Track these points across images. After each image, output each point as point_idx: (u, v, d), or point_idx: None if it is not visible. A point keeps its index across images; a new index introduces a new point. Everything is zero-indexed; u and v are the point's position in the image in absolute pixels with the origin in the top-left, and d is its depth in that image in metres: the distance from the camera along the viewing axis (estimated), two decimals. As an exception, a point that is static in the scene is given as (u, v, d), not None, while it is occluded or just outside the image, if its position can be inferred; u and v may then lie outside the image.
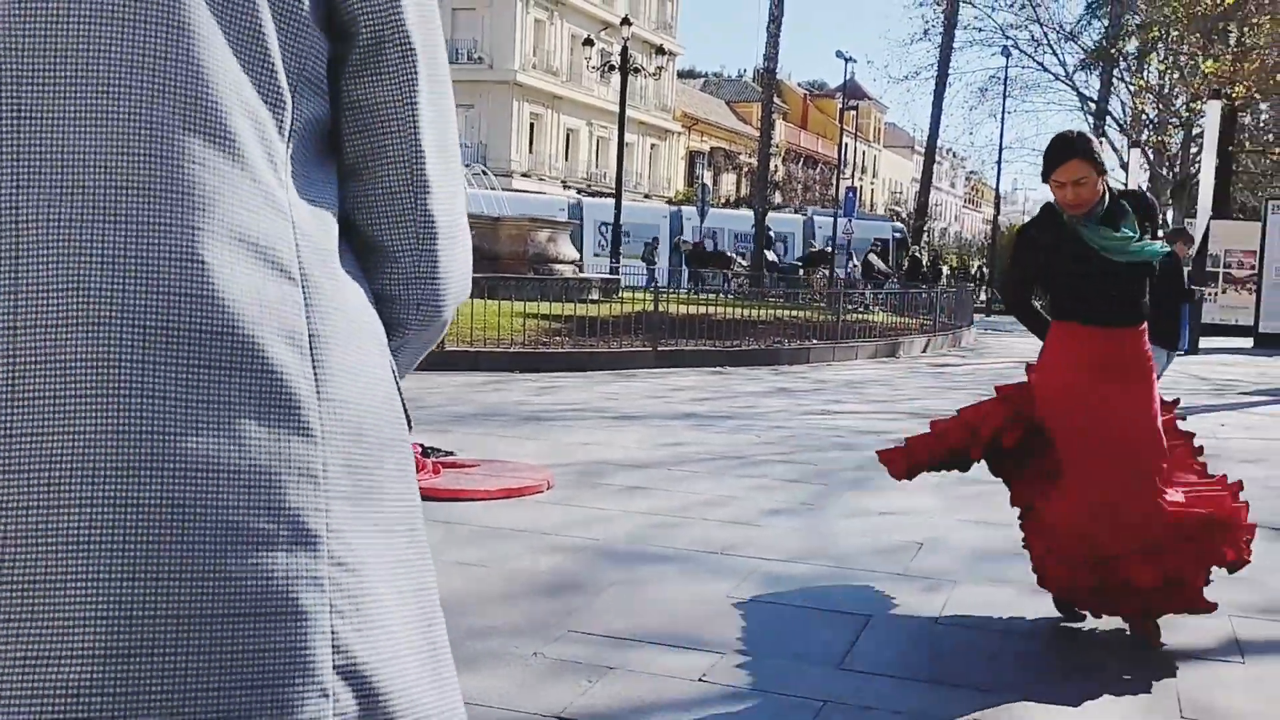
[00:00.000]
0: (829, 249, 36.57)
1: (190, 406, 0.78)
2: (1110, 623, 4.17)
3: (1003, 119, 39.89)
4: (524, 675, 3.46)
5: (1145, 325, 4.00)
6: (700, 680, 3.46)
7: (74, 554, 0.76)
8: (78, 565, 0.76)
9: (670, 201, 35.69)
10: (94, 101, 0.78)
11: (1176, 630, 4.14)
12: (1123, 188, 3.79)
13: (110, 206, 0.78)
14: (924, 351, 17.60)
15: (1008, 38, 36.48)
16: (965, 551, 5.16)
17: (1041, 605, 4.37)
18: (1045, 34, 35.83)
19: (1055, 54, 36.46)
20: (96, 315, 0.77)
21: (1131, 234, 3.90)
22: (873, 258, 36.26)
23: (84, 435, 0.76)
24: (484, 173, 26.95)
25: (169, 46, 0.81)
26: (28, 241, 0.77)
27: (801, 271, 32.08)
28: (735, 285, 25.73)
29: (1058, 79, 36.99)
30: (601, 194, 41.51)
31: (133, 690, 0.76)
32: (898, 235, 43.68)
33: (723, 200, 53.72)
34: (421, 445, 6.83)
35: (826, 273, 31.36)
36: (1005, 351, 19.32)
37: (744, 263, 32.80)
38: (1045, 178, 3.91)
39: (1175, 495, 3.87)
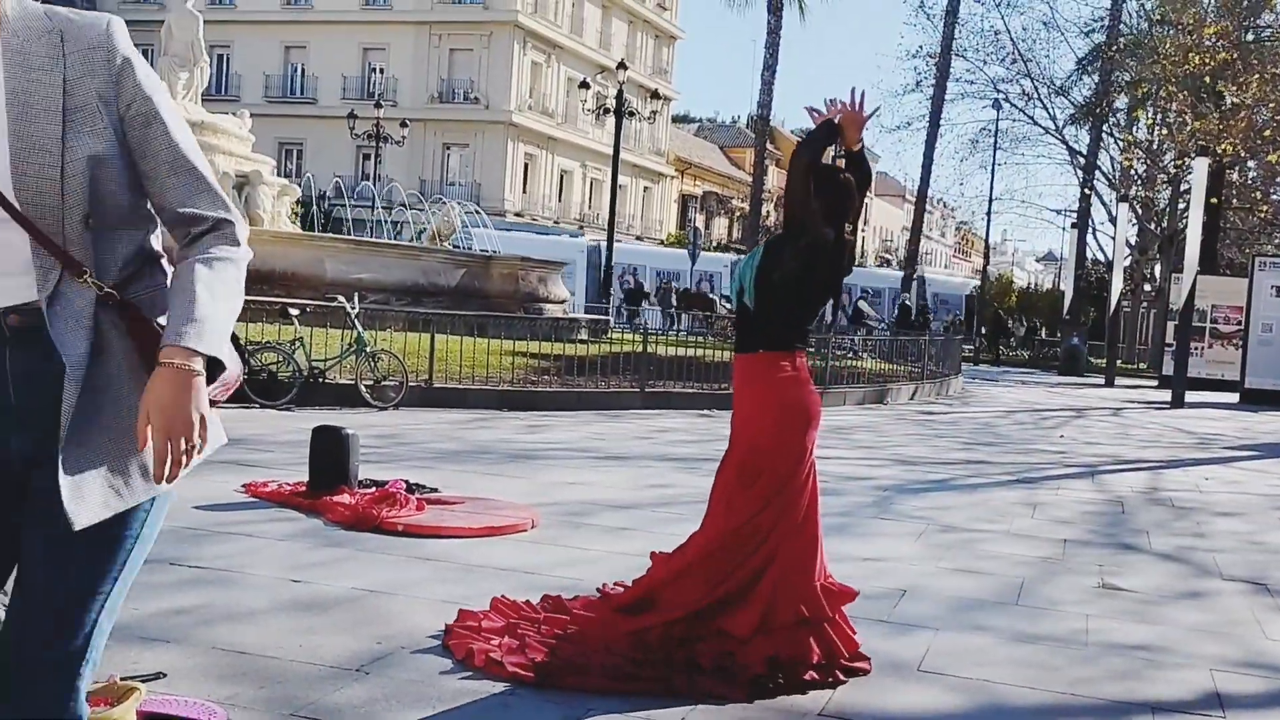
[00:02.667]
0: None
1: None
2: (1091, 670, 4.17)
3: (993, 171, 40.36)
4: (503, 714, 3.45)
5: (741, 356, 4.10)
6: (679, 723, 3.45)
7: None
8: None
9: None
10: None
11: (1156, 683, 4.14)
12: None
13: None
14: (911, 399, 17.65)
15: (999, 91, 36.93)
16: (947, 599, 5.16)
17: (1020, 652, 4.37)
18: (1036, 88, 36.29)
19: (1046, 108, 36.92)
20: None
21: (742, 267, 4.09)
22: (863, 305, 36.46)
23: None
24: (477, 212, 27.00)
25: None
26: None
27: None
28: (717, 327, 25.84)
29: (1048, 133, 37.44)
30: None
31: None
32: (975, 293, 45.36)
33: (715, 244, 53.99)
34: (406, 481, 6.82)
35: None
36: (991, 401, 19.38)
37: (728, 306, 32.96)
38: None
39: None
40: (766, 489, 3.88)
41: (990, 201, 41.75)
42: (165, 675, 3.50)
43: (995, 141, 38.79)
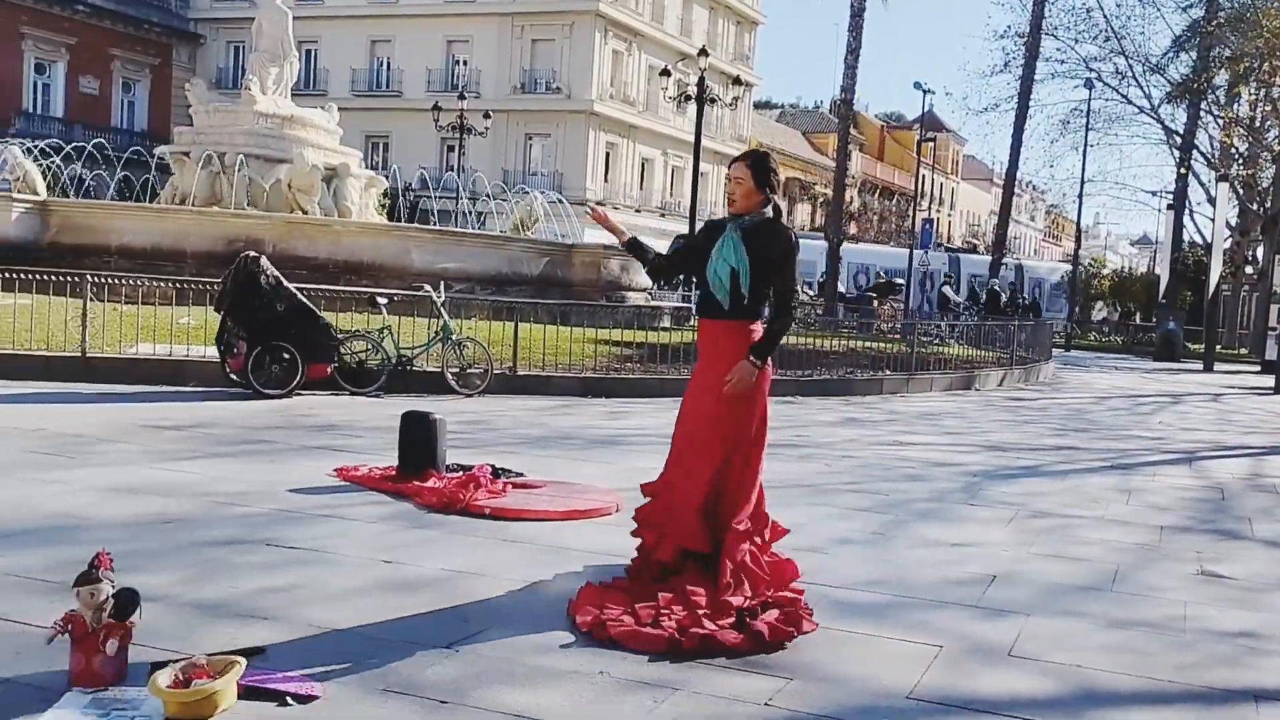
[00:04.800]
0: (898, 280, 36.78)
1: None
2: (1189, 656, 4.06)
3: (1085, 152, 39.20)
4: (591, 693, 3.47)
5: (737, 322, 4.55)
6: (766, 704, 3.44)
7: None
8: None
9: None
10: None
11: (1259, 670, 4.02)
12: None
13: None
14: (1000, 385, 17.34)
15: (1091, 70, 35.98)
16: (1039, 585, 5.06)
17: (1115, 637, 4.27)
18: (1130, 66, 35.29)
19: (1140, 87, 35.87)
20: None
21: (728, 253, 4.46)
22: (947, 290, 35.90)
23: None
24: (560, 201, 27.16)
25: None
26: None
27: (875, 302, 31.84)
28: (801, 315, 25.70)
29: (1142, 112, 36.38)
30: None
31: None
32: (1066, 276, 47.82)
33: (799, 230, 53.67)
34: (492, 466, 6.90)
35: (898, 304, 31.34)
36: (1084, 387, 18.94)
37: (810, 293, 32.69)
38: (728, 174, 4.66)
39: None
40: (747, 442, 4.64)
41: (1082, 184, 40.74)
42: (265, 650, 3.60)
43: (1087, 122, 37.79)
